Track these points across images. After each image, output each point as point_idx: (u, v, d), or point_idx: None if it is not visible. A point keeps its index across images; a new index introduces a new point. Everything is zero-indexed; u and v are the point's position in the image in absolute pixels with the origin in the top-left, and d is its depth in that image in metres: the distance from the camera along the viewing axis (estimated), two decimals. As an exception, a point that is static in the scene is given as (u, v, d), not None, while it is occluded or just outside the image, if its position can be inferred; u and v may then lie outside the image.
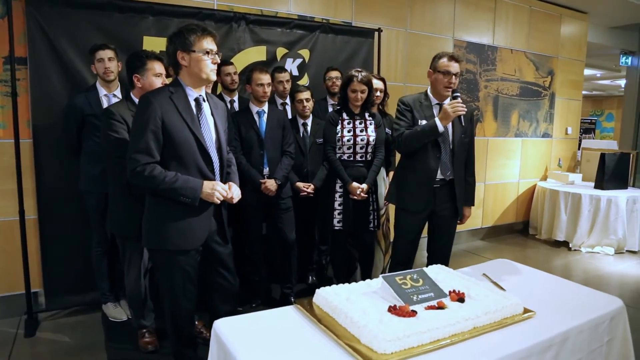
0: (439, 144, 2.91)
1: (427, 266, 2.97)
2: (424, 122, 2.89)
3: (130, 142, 2.18)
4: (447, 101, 2.91)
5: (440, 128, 2.80)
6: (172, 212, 2.21)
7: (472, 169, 3.13)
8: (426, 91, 3.03)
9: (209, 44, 2.18)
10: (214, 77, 2.25)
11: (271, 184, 3.28)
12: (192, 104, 2.23)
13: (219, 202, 2.25)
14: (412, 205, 3.02)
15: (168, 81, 3.39)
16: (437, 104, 2.97)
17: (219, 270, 2.46)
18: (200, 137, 2.21)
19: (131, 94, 2.75)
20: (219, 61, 2.25)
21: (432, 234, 3.16)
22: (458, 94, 2.82)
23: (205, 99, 2.31)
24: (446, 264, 3.01)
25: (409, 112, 2.96)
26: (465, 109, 2.78)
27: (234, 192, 2.32)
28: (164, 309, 2.41)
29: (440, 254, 3.13)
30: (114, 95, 3.18)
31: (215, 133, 2.32)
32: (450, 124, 2.91)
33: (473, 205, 3.17)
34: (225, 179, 2.37)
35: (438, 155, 2.92)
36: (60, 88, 3.28)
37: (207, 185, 2.20)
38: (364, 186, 3.22)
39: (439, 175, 2.96)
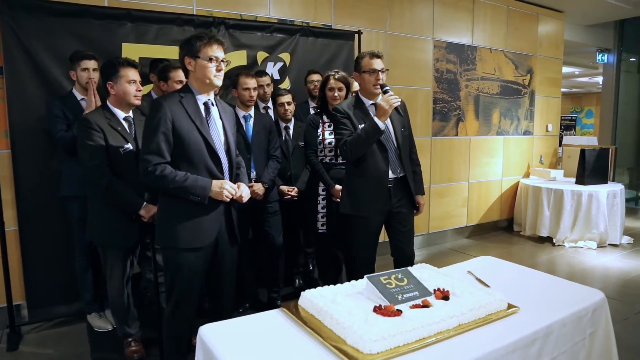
0: (384, 144, 2.86)
1: (393, 266, 2.97)
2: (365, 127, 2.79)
3: (143, 143, 2.27)
4: (379, 98, 2.84)
5: (381, 125, 2.70)
6: (183, 210, 2.28)
7: (416, 159, 3.11)
8: (356, 94, 2.99)
9: (214, 51, 2.27)
10: (218, 83, 2.33)
11: (258, 188, 3.27)
12: (202, 107, 2.33)
13: (228, 200, 2.32)
14: (369, 211, 2.91)
15: (145, 88, 3.42)
16: (372, 104, 2.90)
17: (224, 270, 2.52)
18: (209, 139, 2.30)
19: (107, 102, 2.72)
20: (223, 68, 2.33)
21: (392, 233, 3.05)
22: (388, 87, 2.78)
23: (214, 103, 2.40)
24: (412, 259, 3.02)
25: (347, 118, 2.87)
26: (400, 100, 2.74)
27: (244, 191, 2.40)
28: (166, 310, 2.43)
29: (405, 250, 3.04)
30: None
31: (224, 136, 2.41)
32: (389, 121, 2.86)
33: (423, 194, 3.13)
34: (234, 180, 2.44)
35: (385, 156, 2.87)
36: (38, 97, 3.23)
37: (215, 184, 2.28)
38: None
39: (391, 175, 2.89)
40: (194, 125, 2.26)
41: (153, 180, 2.21)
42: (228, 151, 2.42)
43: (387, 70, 2.90)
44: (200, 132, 2.28)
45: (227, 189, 2.29)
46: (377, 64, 2.84)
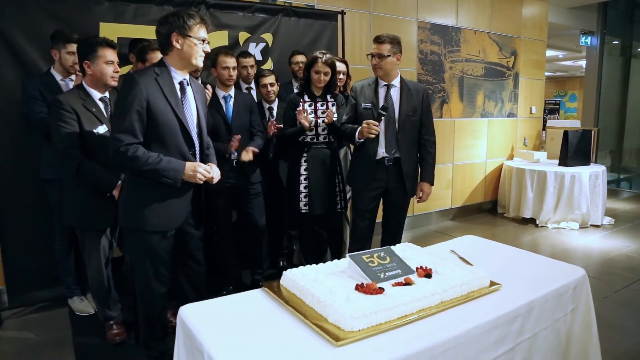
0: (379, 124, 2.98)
1: (381, 242, 3.17)
2: (368, 105, 3.05)
3: (114, 121, 2.18)
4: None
5: (356, 140, 3.02)
6: (152, 193, 2.23)
7: (429, 147, 3.20)
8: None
9: (204, 32, 2.24)
10: (201, 64, 2.30)
11: (251, 150, 3.20)
12: (177, 87, 2.25)
13: (201, 182, 2.28)
14: (359, 183, 3.14)
15: (125, 68, 3.34)
16: (384, 85, 3.08)
17: (190, 253, 2.49)
18: (184, 120, 2.24)
19: (82, 82, 2.66)
20: (209, 51, 2.29)
21: (385, 210, 3.26)
22: (384, 113, 2.92)
23: (189, 82, 2.33)
24: (399, 239, 3.20)
25: (354, 99, 3.13)
26: (377, 132, 2.90)
27: (215, 172, 2.35)
28: (136, 295, 2.40)
29: (392, 230, 3.26)
30: (71, 80, 3.09)
31: (197, 117, 2.36)
32: (397, 102, 3.06)
33: (432, 183, 3.24)
34: (204, 161, 2.40)
35: (378, 135, 2.99)
36: (12, 78, 3.16)
37: (189, 167, 2.23)
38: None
39: (384, 154, 3.05)
40: (169, 106, 2.19)
41: (124, 161, 2.13)
42: (200, 133, 2.37)
43: (385, 56, 2.97)
44: (175, 113, 2.21)
45: (200, 171, 2.24)
46: (374, 48, 3.01)
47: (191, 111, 2.31)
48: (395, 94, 3.07)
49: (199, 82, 3.58)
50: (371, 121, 2.89)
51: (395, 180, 3.11)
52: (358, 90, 3.12)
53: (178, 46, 2.19)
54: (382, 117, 2.94)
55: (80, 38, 3.01)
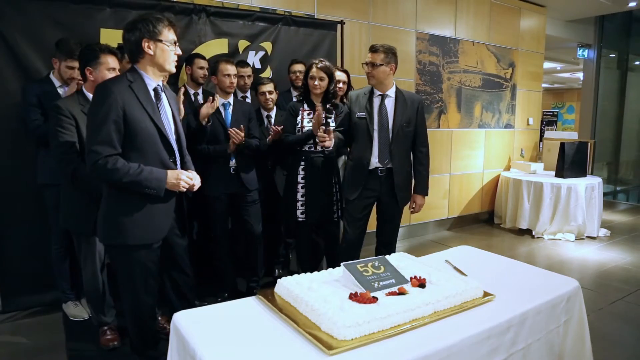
0: (371, 134, 3.05)
1: (375, 252, 3.19)
2: (362, 114, 3.08)
3: (90, 133, 2.08)
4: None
5: (329, 152, 3.14)
6: (133, 204, 2.15)
7: (422, 158, 3.21)
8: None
9: (173, 35, 2.19)
10: (173, 69, 2.24)
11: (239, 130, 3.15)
12: (152, 93, 2.19)
13: (184, 190, 2.23)
14: (351, 193, 3.13)
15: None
16: (379, 94, 3.11)
17: (175, 263, 2.45)
18: (162, 128, 2.18)
19: (82, 88, 2.68)
20: (180, 53, 2.24)
21: (378, 220, 3.28)
22: (330, 115, 3.05)
23: (163, 88, 2.28)
24: (392, 249, 3.22)
25: (349, 108, 3.19)
26: (331, 145, 2.94)
27: (195, 179, 2.29)
28: (124, 307, 2.36)
29: (386, 239, 3.28)
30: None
31: (174, 123, 2.30)
32: (392, 112, 3.08)
33: (425, 194, 3.25)
34: (184, 169, 2.35)
35: (370, 145, 3.05)
36: (13, 82, 3.16)
37: (171, 175, 2.17)
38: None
39: (377, 164, 3.06)
40: (146, 113, 2.12)
41: (104, 173, 2.04)
42: (178, 140, 2.32)
43: (378, 65, 3.01)
44: (153, 120, 2.14)
45: (183, 179, 2.18)
46: (368, 57, 3.04)
47: (168, 118, 2.25)
48: (390, 104, 3.09)
49: (200, 89, 3.63)
50: (322, 130, 2.91)
51: (387, 190, 3.11)
52: (353, 100, 3.14)
53: (150, 52, 2.13)
54: (330, 120, 3.01)
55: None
